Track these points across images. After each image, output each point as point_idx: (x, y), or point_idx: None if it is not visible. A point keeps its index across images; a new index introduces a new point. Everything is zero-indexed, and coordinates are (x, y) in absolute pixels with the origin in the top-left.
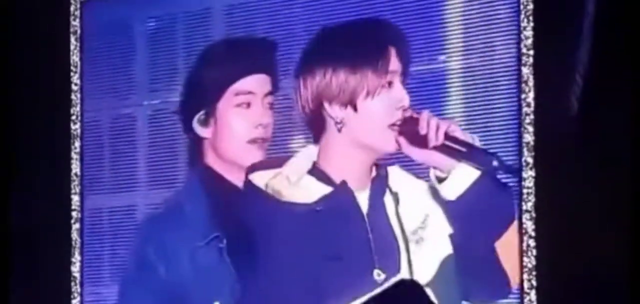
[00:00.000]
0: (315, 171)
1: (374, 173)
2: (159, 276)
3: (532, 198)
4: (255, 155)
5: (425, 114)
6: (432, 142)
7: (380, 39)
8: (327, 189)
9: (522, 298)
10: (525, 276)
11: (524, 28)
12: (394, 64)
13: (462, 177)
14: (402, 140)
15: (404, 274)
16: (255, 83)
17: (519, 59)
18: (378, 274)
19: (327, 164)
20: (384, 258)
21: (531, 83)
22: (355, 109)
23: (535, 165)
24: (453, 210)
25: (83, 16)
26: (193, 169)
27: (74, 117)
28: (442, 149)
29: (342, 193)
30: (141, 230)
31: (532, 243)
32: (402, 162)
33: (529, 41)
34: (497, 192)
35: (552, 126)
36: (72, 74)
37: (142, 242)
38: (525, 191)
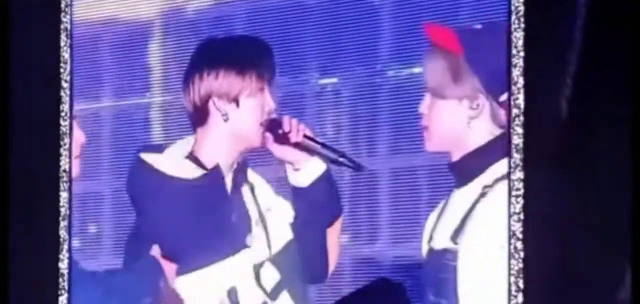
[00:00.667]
0: (191, 157)
1: (236, 165)
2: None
3: (520, 200)
4: None
5: (286, 117)
6: (293, 138)
7: (259, 52)
8: (202, 171)
9: (509, 301)
10: (512, 279)
11: (515, 29)
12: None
13: (312, 170)
14: (268, 135)
15: (261, 245)
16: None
17: (509, 61)
18: (249, 241)
19: (201, 151)
20: (245, 231)
21: (521, 85)
22: (237, 104)
23: (524, 167)
24: (300, 197)
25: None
26: None
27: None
28: (300, 146)
29: (215, 174)
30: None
31: (519, 245)
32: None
33: (520, 43)
34: (335, 185)
35: (542, 127)
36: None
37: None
38: (514, 193)
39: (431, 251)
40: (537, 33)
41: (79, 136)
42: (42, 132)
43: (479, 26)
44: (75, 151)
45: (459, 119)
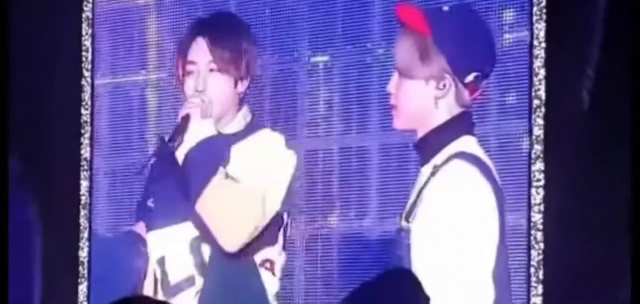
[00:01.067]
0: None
1: None
2: None
3: (541, 192)
4: None
5: None
6: None
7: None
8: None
9: (529, 293)
10: (532, 270)
11: (537, 21)
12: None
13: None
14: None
15: None
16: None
17: (531, 53)
18: None
19: None
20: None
21: (542, 77)
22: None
23: (545, 158)
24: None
25: None
26: None
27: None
28: None
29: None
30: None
31: (540, 236)
32: None
33: (542, 34)
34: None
35: (563, 119)
36: None
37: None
38: (534, 184)
39: (397, 228)
40: (559, 26)
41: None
42: (63, 121)
43: (446, 8)
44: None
45: (426, 99)
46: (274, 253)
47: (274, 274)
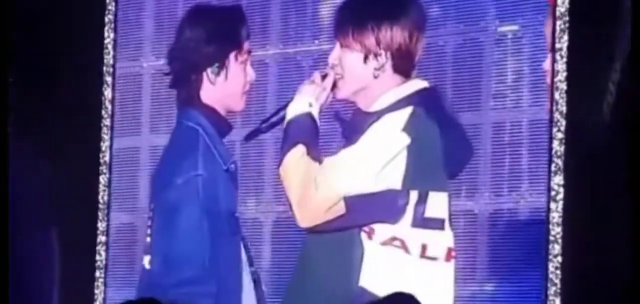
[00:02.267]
0: None
1: None
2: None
3: (560, 204)
4: (242, 103)
5: None
6: None
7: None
8: None
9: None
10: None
11: (560, 37)
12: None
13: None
14: None
15: None
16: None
17: (553, 68)
18: None
19: None
20: None
21: (564, 91)
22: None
23: (565, 170)
24: None
25: None
26: (188, 106)
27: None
28: None
29: None
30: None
31: (557, 248)
32: None
33: (564, 50)
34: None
35: (583, 133)
36: None
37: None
38: (553, 194)
39: None
40: (580, 38)
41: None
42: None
43: None
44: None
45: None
46: (402, 231)
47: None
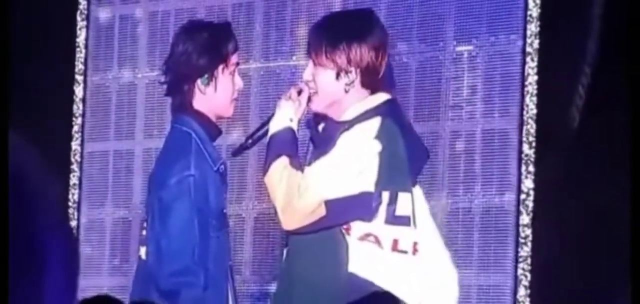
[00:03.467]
0: None
1: None
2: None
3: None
4: (231, 110)
5: None
6: None
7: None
8: None
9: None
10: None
11: (531, 43)
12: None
13: None
14: None
15: None
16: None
17: (523, 71)
18: None
19: None
20: None
21: (535, 94)
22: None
23: (536, 175)
24: None
25: None
26: (181, 113)
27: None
28: None
29: None
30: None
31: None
32: None
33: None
34: None
35: (553, 136)
36: None
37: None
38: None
39: None
40: (551, 46)
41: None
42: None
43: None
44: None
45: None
46: (376, 228)
47: (380, 245)
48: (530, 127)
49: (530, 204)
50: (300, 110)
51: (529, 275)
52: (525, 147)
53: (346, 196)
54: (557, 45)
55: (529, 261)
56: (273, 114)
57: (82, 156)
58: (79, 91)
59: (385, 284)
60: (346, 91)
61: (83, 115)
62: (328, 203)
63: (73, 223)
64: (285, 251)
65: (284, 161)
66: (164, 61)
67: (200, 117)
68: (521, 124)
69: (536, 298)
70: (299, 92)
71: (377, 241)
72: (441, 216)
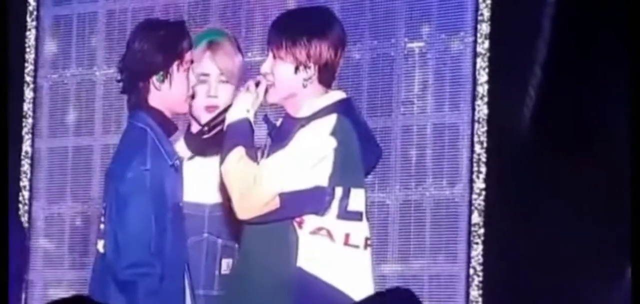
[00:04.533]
0: None
1: None
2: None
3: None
4: (187, 106)
5: None
6: None
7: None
8: None
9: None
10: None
11: (482, 43)
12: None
13: None
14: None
15: None
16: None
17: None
18: None
19: None
20: None
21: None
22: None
23: (487, 177)
24: None
25: None
26: (137, 109)
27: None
28: None
29: None
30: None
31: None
32: None
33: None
34: None
35: (504, 138)
36: None
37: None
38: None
39: None
40: (502, 46)
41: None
42: None
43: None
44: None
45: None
46: (328, 222)
47: (332, 239)
48: (481, 125)
49: (482, 202)
50: (257, 102)
51: (480, 265)
52: (477, 146)
53: (300, 189)
54: (507, 44)
55: (480, 251)
56: (230, 105)
57: (32, 155)
58: (28, 91)
59: (332, 280)
60: (304, 86)
61: (34, 114)
62: (282, 196)
63: (24, 219)
64: (242, 237)
65: (240, 151)
66: (120, 59)
67: (155, 113)
68: (472, 119)
69: (487, 286)
70: (257, 85)
71: (329, 235)
72: (393, 208)
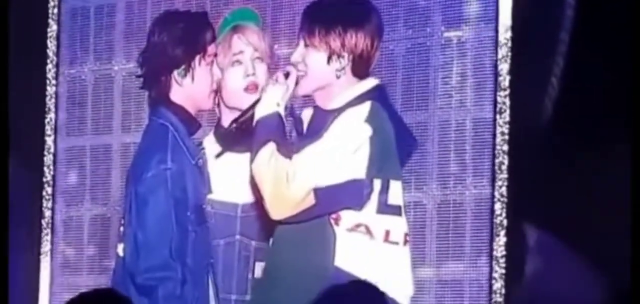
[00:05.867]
0: None
1: None
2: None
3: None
4: (211, 102)
5: None
6: None
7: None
8: None
9: None
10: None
11: (505, 44)
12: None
13: None
14: None
15: None
16: (214, 49)
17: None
18: None
19: None
20: None
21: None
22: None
23: (509, 170)
24: None
25: None
26: (158, 105)
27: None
28: None
29: None
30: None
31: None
32: None
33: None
34: None
35: (527, 128)
36: None
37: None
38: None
39: None
40: (523, 36)
41: None
42: None
43: None
44: None
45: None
46: (367, 218)
47: (371, 236)
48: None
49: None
50: (287, 94)
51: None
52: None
53: (336, 183)
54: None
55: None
56: (259, 99)
57: (55, 152)
58: (51, 85)
59: (371, 279)
60: (338, 77)
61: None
62: (317, 191)
63: (47, 221)
64: (271, 240)
65: (271, 147)
66: (140, 53)
67: (177, 109)
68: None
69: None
70: (286, 75)
71: (368, 231)
72: (431, 208)
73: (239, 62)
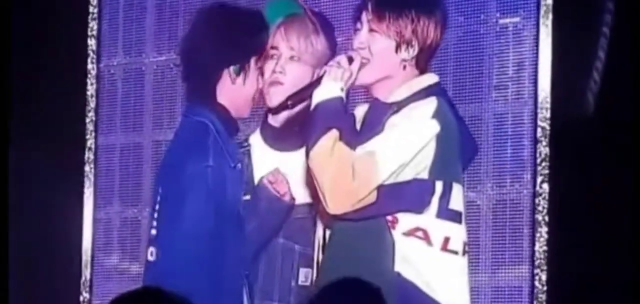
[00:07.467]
0: None
1: None
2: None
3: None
4: (249, 110)
5: None
6: None
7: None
8: None
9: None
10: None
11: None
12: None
13: None
14: None
15: None
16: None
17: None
18: None
19: None
20: None
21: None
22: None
23: (550, 166)
24: None
25: None
26: (198, 101)
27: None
28: None
29: None
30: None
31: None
32: None
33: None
34: None
35: (568, 124)
36: None
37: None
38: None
39: None
40: (565, 31)
41: None
42: None
43: None
44: None
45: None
46: (426, 222)
47: (429, 243)
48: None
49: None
50: (350, 80)
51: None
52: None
53: (398, 182)
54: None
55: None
56: (318, 80)
57: (96, 150)
58: (91, 82)
59: (428, 290)
60: (404, 68)
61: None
62: (381, 189)
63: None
64: (327, 237)
65: (334, 134)
66: (182, 42)
67: (220, 109)
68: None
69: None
70: (350, 61)
71: (427, 237)
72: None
73: (272, 57)
